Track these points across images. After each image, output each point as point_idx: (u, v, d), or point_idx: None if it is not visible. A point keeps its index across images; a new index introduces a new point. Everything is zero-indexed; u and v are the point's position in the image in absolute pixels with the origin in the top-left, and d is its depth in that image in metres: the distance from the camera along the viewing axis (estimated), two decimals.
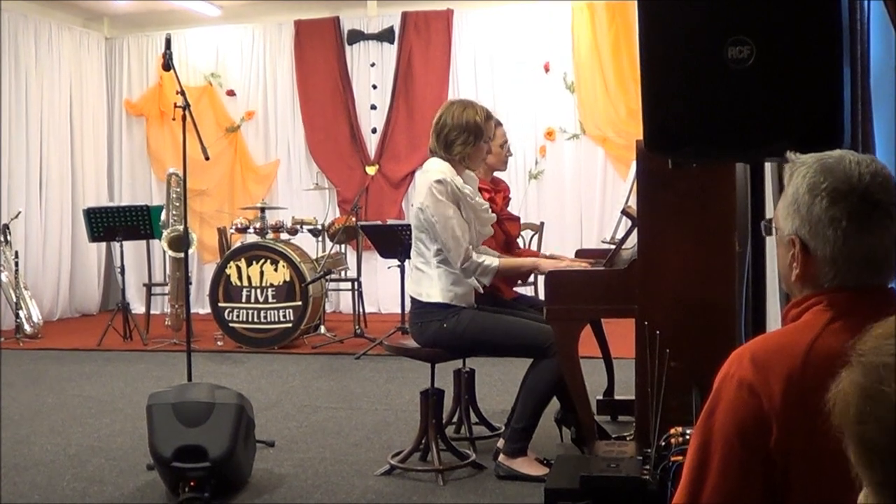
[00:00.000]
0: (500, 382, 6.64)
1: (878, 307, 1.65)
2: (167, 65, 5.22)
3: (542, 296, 4.64)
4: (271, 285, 8.53)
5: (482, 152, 4.66)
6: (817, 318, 1.74)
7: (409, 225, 4.81)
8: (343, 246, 9.90)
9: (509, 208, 5.40)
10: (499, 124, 5.18)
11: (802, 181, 1.78)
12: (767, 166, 3.19)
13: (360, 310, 9.30)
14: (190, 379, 5.33)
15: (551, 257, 5.32)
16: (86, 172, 11.47)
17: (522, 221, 8.29)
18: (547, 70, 10.61)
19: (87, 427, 5.80)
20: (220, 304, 8.64)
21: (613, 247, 4.69)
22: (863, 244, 1.73)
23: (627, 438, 4.53)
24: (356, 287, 9.35)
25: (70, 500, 4.43)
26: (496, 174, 5.35)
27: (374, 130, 11.15)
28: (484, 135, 4.60)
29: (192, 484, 4.16)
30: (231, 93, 11.60)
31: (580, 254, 5.76)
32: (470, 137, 4.55)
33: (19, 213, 9.96)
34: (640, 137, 2.77)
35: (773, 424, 1.64)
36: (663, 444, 3.26)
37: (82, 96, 11.44)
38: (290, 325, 8.51)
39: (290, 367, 7.73)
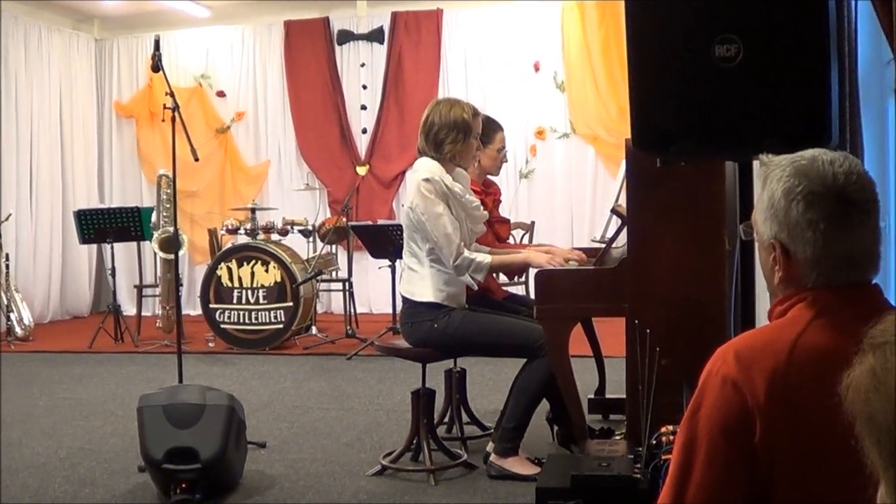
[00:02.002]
0: (491, 382, 6.64)
1: (862, 304, 1.67)
2: (156, 66, 5.21)
3: (532, 295, 4.63)
4: (262, 286, 8.52)
5: (472, 149, 4.66)
6: (801, 314, 1.75)
7: (400, 225, 4.81)
8: (334, 246, 9.89)
9: (500, 210, 5.40)
10: (499, 129, 5.17)
11: (778, 185, 1.78)
12: (756, 165, 3.19)
13: (352, 310, 9.29)
14: (181, 380, 5.32)
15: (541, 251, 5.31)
16: (76, 174, 11.44)
17: (513, 221, 8.29)
18: (537, 69, 10.60)
19: (79, 429, 5.79)
20: (211, 306, 8.62)
21: (604, 245, 4.70)
22: (843, 244, 1.74)
23: (617, 437, 4.53)
24: (347, 287, 9.34)
25: (61, 503, 4.42)
26: (488, 176, 5.34)
27: (364, 131, 11.14)
28: (473, 131, 4.59)
29: (183, 485, 4.16)
30: (221, 94, 11.57)
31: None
32: (459, 135, 4.54)
33: (9, 215, 9.91)
34: (630, 136, 2.77)
35: (757, 421, 1.65)
36: (654, 442, 3.27)
37: (72, 98, 11.40)
38: (281, 325, 8.50)
39: (282, 368, 7.73)
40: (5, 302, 9.35)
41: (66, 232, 10.90)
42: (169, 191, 8.93)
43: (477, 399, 5.90)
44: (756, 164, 3.11)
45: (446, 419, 5.34)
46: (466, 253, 4.45)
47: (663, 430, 3.23)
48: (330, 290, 10.89)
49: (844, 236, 1.73)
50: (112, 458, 5.12)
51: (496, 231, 5.17)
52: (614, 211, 4.58)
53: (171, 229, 8.45)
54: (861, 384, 1.14)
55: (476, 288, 4.62)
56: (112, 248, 9.13)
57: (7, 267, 9.38)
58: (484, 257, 4.48)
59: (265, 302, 8.51)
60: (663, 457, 3.08)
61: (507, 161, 5.43)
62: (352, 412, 6.09)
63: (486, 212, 4.76)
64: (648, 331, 3.83)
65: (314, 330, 9.06)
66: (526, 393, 4.46)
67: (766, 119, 2.53)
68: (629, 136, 2.78)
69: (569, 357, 4.24)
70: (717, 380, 1.71)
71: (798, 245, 1.76)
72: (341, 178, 11.06)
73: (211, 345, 8.69)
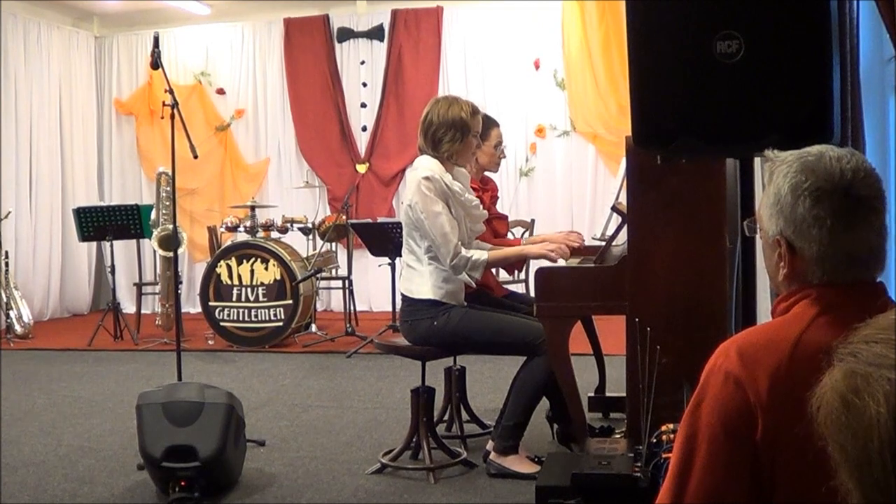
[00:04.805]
0: (490, 380, 6.64)
1: (866, 301, 1.65)
2: (155, 63, 5.19)
3: (532, 293, 4.61)
4: (262, 284, 8.50)
5: (471, 148, 4.64)
6: (805, 311, 1.74)
7: (400, 223, 4.80)
8: (333, 244, 9.88)
9: (498, 206, 5.38)
10: (495, 125, 5.16)
11: (784, 181, 1.77)
12: (757, 162, 3.18)
13: (351, 308, 9.28)
14: (180, 378, 5.30)
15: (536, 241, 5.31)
16: (75, 172, 11.42)
17: (513, 218, 8.30)
18: (537, 67, 10.59)
19: (78, 427, 5.78)
20: (210, 303, 8.61)
21: (604, 243, 4.69)
22: (849, 241, 1.72)
23: (618, 435, 4.52)
24: (347, 285, 9.34)
25: (60, 501, 4.41)
26: (486, 173, 5.33)
27: (364, 128, 11.13)
28: (471, 130, 4.58)
29: (182, 484, 4.15)
30: (221, 91, 11.56)
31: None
32: (457, 134, 4.53)
33: (9, 213, 9.91)
34: (630, 133, 2.76)
35: (759, 417, 1.64)
36: (654, 440, 3.25)
37: (72, 95, 11.39)
38: (280, 323, 8.49)
39: (281, 366, 7.71)
40: (5, 299, 9.33)
41: (66, 229, 10.90)
42: (168, 188, 8.91)
43: (477, 397, 5.89)
44: (758, 160, 3.10)
45: (446, 417, 5.33)
46: (463, 251, 4.44)
47: (663, 428, 3.22)
48: (329, 288, 10.89)
49: (851, 233, 1.72)
50: (111, 455, 5.11)
51: (494, 227, 5.16)
52: (614, 208, 4.57)
53: (171, 227, 8.43)
54: (832, 409, 1.10)
55: (474, 285, 4.62)
56: (111, 245, 9.13)
57: (6, 264, 9.37)
58: (480, 254, 4.48)
59: (265, 300, 8.50)
60: (663, 455, 3.07)
61: (505, 157, 5.42)
62: (351, 410, 6.08)
63: (485, 210, 4.75)
64: (649, 329, 3.82)
65: (314, 328, 9.06)
66: (525, 391, 4.45)
67: (767, 115, 2.52)
68: (629, 133, 2.77)
69: (569, 355, 4.22)
70: (720, 376, 1.69)
71: (804, 242, 1.75)
72: (341, 176, 11.05)
73: (210, 342, 8.68)
